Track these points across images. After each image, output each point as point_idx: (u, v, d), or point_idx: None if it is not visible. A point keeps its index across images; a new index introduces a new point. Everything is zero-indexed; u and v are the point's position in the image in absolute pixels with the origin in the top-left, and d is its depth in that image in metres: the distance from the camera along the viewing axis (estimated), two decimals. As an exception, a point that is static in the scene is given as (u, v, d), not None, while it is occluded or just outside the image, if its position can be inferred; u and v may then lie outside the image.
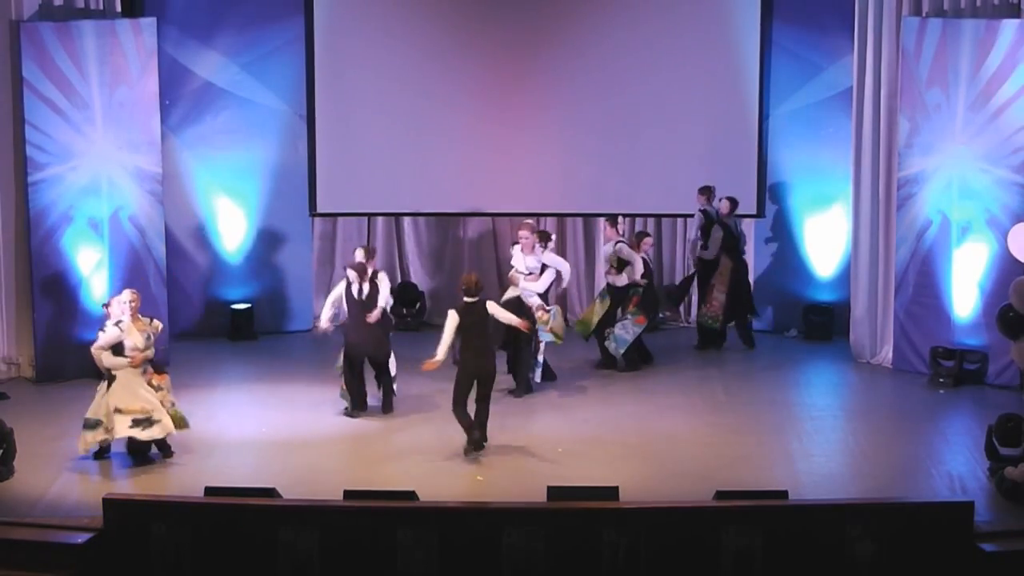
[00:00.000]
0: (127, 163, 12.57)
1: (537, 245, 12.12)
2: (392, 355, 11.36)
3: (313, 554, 8.01)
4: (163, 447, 10.08)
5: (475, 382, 10.18)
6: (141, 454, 9.94)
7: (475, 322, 10.22)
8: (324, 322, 11.55)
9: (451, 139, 14.39)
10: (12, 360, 12.36)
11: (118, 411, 9.79)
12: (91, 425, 9.86)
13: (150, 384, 10.02)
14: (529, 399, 11.63)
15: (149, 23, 12.67)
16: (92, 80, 12.26)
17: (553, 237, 12.62)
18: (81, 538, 8.14)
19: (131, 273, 12.53)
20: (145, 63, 12.56)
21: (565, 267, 12.40)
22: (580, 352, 13.21)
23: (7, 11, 12.05)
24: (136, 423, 9.81)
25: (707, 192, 13.66)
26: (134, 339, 9.94)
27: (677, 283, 14.47)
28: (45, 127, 12.09)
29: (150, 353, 10.09)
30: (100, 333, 10.00)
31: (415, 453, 10.11)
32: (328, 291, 14.86)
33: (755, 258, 14.40)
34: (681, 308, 14.74)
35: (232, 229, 14.38)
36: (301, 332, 14.31)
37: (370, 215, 14.97)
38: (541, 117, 14.33)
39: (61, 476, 9.51)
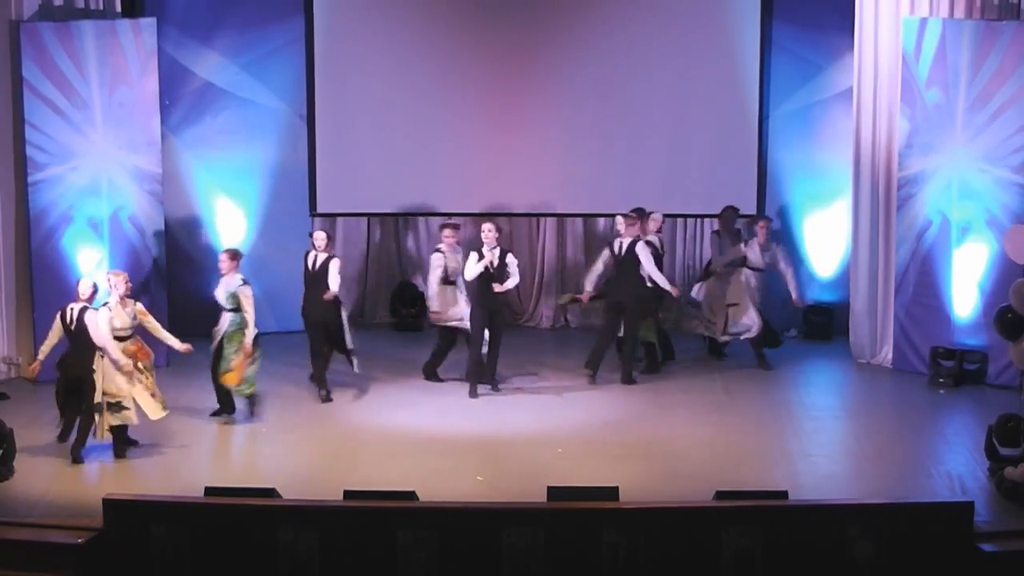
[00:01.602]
0: (127, 163, 12.57)
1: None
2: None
3: (313, 554, 8.01)
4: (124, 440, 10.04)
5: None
6: (122, 442, 9.96)
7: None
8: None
9: (451, 139, 14.41)
10: (12, 360, 12.37)
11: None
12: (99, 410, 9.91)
13: (137, 367, 10.05)
14: (529, 399, 11.62)
15: (149, 23, 12.66)
16: (92, 80, 12.26)
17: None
18: (81, 538, 8.13)
19: (131, 273, 12.42)
20: (145, 63, 12.56)
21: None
22: (580, 352, 13.23)
23: (7, 11, 12.06)
24: (109, 407, 9.90)
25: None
26: (121, 319, 10.07)
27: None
28: (45, 127, 12.10)
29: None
30: (96, 325, 9.90)
31: (415, 453, 10.11)
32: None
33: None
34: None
35: (232, 229, 14.38)
36: (300, 332, 14.28)
37: (370, 215, 14.98)
38: (541, 116, 14.35)
39: (61, 476, 9.51)
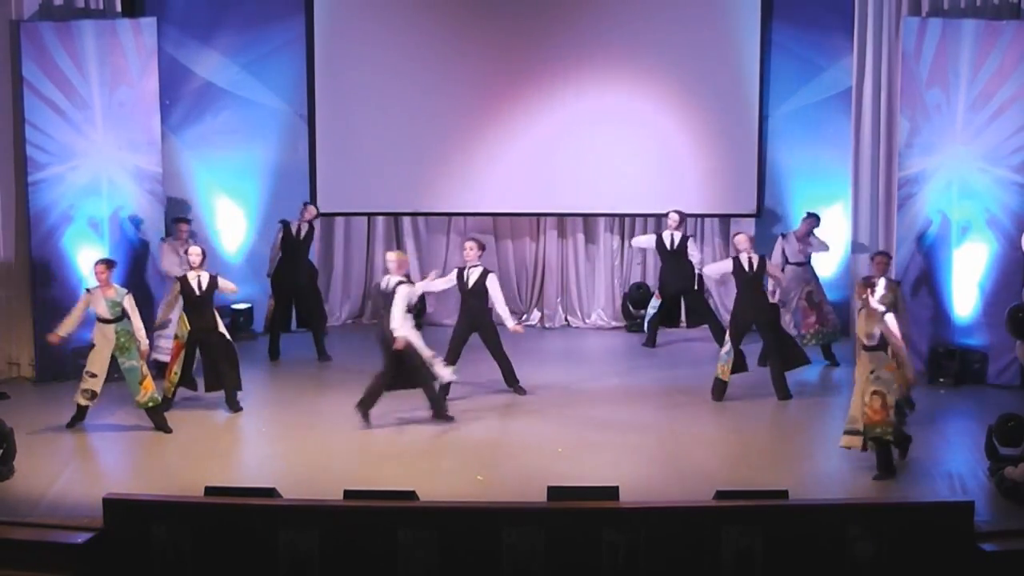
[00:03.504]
0: (127, 163, 12.57)
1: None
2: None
3: (313, 554, 8.01)
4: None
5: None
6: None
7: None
8: None
9: (451, 139, 14.41)
10: (12, 360, 12.37)
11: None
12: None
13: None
14: (529, 400, 11.62)
15: (149, 23, 12.67)
16: (92, 80, 12.27)
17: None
18: (81, 538, 8.13)
19: (131, 273, 12.54)
20: (145, 63, 12.56)
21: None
22: (579, 351, 13.24)
23: (7, 11, 12.06)
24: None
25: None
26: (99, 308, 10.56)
27: None
28: (45, 127, 12.10)
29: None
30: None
31: (415, 453, 10.11)
32: (327, 290, 14.95)
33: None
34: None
35: (232, 229, 14.38)
36: (301, 332, 14.30)
37: (370, 215, 14.98)
38: (541, 116, 14.34)
39: (61, 476, 9.51)
